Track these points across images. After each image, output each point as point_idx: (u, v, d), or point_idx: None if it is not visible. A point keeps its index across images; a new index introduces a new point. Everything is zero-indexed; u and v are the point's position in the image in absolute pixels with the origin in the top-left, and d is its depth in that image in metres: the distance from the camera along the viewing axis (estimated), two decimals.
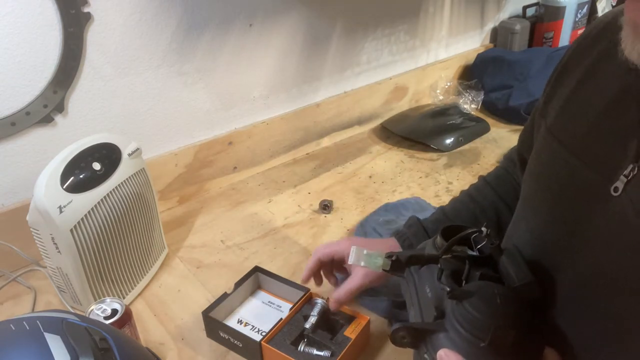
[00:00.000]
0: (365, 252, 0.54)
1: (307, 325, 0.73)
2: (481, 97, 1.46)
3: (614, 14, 0.51)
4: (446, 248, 0.50)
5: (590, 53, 0.51)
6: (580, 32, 1.64)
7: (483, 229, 0.51)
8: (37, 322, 0.50)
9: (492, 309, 0.43)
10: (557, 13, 1.58)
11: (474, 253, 0.50)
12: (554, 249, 0.49)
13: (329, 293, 0.85)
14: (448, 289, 0.45)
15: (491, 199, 0.76)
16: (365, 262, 0.53)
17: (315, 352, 0.71)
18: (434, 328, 0.45)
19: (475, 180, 0.83)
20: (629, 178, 0.41)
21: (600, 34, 0.51)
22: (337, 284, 0.81)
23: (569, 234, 0.47)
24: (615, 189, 0.42)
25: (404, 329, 0.45)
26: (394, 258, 0.53)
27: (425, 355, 0.45)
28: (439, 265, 0.49)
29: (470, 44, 1.63)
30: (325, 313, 0.76)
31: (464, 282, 0.47)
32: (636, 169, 0.41)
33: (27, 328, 0.49)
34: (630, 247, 0.40)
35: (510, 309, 0.43)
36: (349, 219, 1.06)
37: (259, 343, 0.71)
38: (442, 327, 0.45)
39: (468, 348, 0.42)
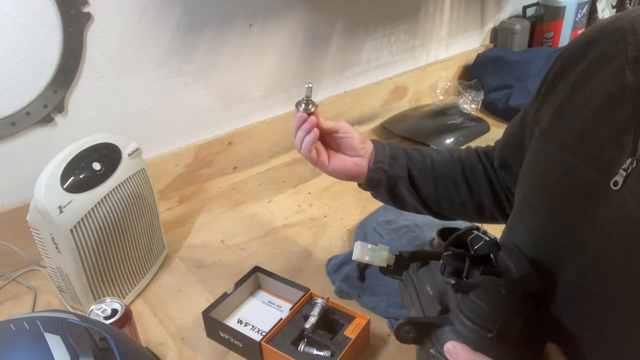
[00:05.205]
0: (369, 246, 0.54)
1: (307, 325, 0.73)
2: (481, 97, 1.46)
3: (607, 22, 0.52)
4: (446, 245, 0.51)
5: (584, 59, 0.52)
6: (580, 32, 1.64)
7: (478, 226, 0.52)
8: (37, 322, 0.50)
9: (498, 299, 0.43)
10: (557, 13, 1.58)
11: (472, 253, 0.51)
12: (554, 246, 0.50)
13: (329, 294, 0.85)
14: (453, 282, 0.46)
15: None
16: (369, 256, 0.53)
17: (315, 352, 0.71)
18: (439, 322, 0.45)
19: None
20: (628, 172, 0.43)
21: (595, 41, 0.52)
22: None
23: (569, 230, 0.48)
24: (615, 183, 0.43)
25: (409, 323, 0.45)
26: (397, 254, 0.53)
27: (431, 350, 0.45)
28: (440, 262, 0.50)
29: (470, 44, 1.63)
30: (325, 313, 0.76)
31: (464, 279, 0.48)
32: (635, 162, 0.42)
33: (27, 328, 0.49)
34: (632, 236, 0.42)
35: (515, 299, 0.43)
36: (349, 219, 1.06)
37: (259, 343, 0.72)
38: (447, 321, 0.45)
39: (475, 339, 0.43)
